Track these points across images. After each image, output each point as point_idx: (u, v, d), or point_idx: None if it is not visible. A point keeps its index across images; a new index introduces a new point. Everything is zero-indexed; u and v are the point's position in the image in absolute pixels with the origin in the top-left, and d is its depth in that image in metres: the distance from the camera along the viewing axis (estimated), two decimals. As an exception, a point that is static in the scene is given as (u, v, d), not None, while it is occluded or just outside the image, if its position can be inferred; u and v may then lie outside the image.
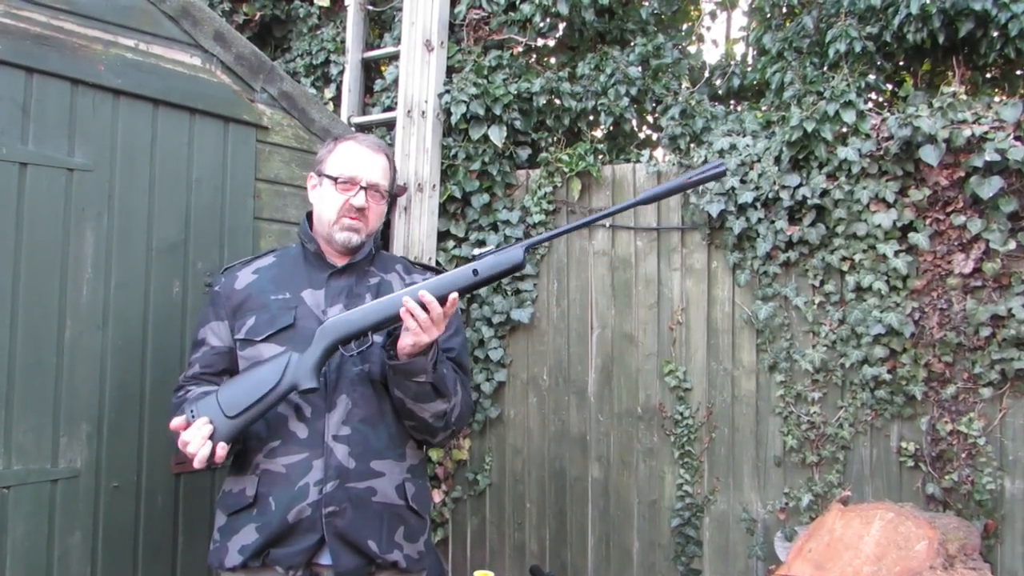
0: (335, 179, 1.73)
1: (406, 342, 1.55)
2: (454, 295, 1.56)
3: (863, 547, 2.28)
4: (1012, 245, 2.47)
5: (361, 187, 1.73)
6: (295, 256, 1.81)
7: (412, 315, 1.52)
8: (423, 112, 3.21)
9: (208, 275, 2.24)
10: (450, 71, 3.31)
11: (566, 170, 3.14)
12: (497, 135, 3.17)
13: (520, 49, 3.40)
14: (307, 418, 1.64)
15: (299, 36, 4.05)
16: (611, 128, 3.42)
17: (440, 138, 3.24)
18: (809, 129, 2.68)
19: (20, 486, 1.84)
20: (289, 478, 1.60)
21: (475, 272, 1.58)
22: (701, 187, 2.86)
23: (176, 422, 1.55)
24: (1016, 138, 2.45)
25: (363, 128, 3.45)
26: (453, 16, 3.37)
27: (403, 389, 1.62)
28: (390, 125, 3.36)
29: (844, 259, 2.70)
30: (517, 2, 3.35)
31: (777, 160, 2.78)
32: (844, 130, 2.69)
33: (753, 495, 2.87)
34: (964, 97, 2.60)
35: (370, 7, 3.65)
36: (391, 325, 1.58)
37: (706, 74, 3.89)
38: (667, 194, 1.65)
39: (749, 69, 3.84)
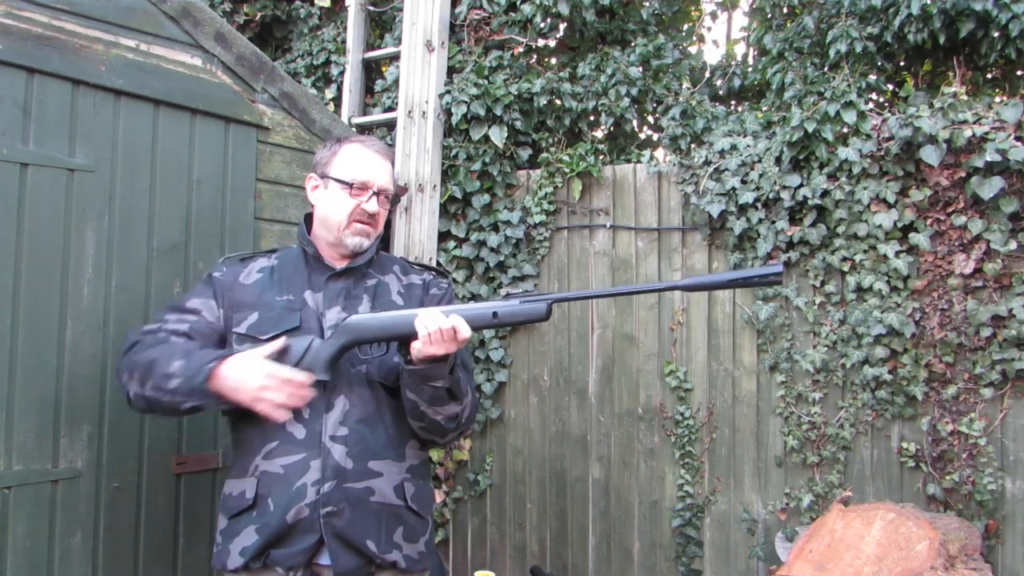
0: (349, 184, 1.72)
1: (425, 352, 1.54)
2: (467, 334, 1.55)
3: (864, 548, 2.28)
4: (1013, 245, 2.47)
5: (373, 192, 1.73)
6: (296, 258, 1.81)
7: (430, 336, 1.52)
8: (424, 112, 3.21)
9: (209, 275, 2.24)
10: (451, 71, 3.31)
11: (567, 170, 3.14)
12: (498, 135, 3.17)
13: (521, 50, 3.40)
14: (305, 419, 1.63)
15: (300, 36, 4.06)
16: (612, 128, 3.42)
17: (441, 138, 3.24)
18: (810, 129, 2.68)
19: (21, 487, 1.85)
20: (287, 479, 1.60)
21: (495, 315, 1.59)
22: (701, 187, 2.86)
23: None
24: (1017, 138, 2.44)
25: (364, 128, 3.45)
26: (454, 16, 3.37)
27: (418, 392, 1.61)
28: (391, 125, 3.36)
29: (845, 259, 2.70)
30: (518, 2, 3.35)
31: (778, 160, 2.78)
32: (845, 130, 2.68)
33: (754, 495, 2.87)
34: (965, 97, 2.60)
35: (371, 7, 3.65)
36: (411, 340, 1.56)
37: (707, 74, 3.89)
38: (714, 287, 1.62)
39: (750, 69, 3.84)
